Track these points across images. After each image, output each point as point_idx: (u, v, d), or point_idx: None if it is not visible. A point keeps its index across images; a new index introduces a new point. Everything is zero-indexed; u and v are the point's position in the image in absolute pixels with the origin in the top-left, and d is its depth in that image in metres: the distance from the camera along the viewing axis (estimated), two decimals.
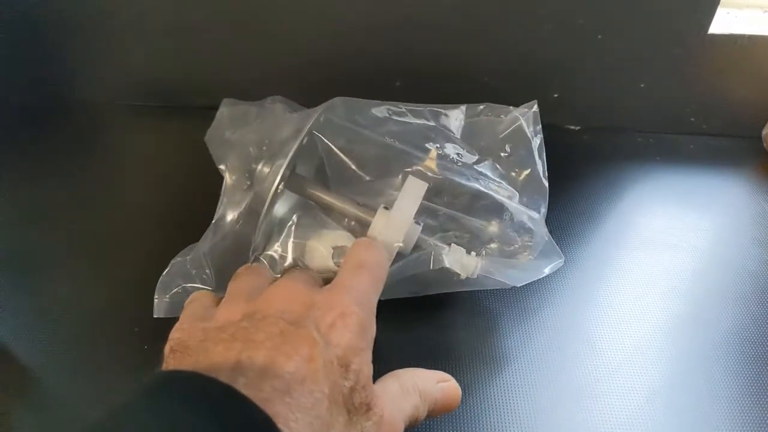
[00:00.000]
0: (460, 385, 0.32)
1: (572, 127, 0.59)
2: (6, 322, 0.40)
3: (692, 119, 0.58)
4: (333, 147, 0.40)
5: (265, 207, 0.37)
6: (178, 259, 0.38)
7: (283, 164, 0.37)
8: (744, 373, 0.39)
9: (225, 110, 0.43)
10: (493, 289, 0.43)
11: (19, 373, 0.38)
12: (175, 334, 0.28)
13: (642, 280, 0.45)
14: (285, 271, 0.38)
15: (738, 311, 0.43)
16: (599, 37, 0.52)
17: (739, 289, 0.44)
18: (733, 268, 0.46)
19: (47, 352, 0.39)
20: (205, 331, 0.27)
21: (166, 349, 0.28)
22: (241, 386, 0.23)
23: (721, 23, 0.52)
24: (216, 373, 0.23)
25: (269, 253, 0.39)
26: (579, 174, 0.54)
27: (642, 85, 0.55)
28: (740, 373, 0.39)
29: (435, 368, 0.37)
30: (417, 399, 0.29)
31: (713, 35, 0.52)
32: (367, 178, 0.41)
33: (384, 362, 0.35)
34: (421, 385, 0.30)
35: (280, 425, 0.22)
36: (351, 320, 0.28)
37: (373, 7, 0.51)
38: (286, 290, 0.30)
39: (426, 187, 0.39)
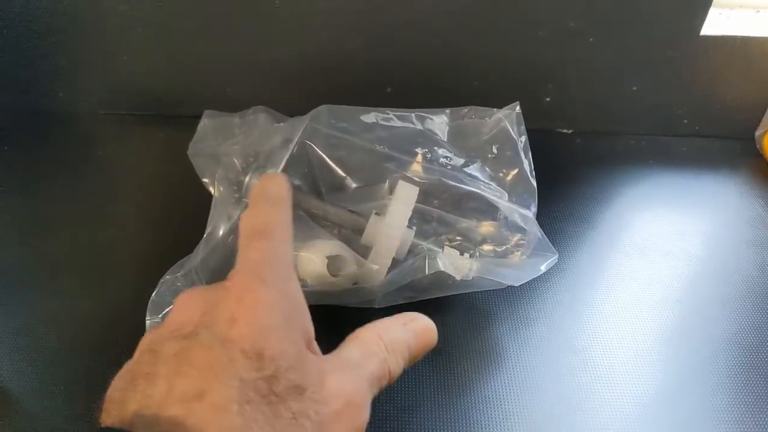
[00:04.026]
0: (454, 387, 0.32)
1: (565, 131, 0.59)
2: None
3: (685, 121, 0.58)
4: (323, 155, 0.39)
5: None
6: (167, 276, 0.38)
7: None
8: (740, 382, 0.38)
9: (207, 122, 0.43)
10: (487, 293, 0.42)
11: None
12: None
13: (636, 287, 0.44)
14: None
15: (733, 318, 0.42)
16: (591, 40, 0.52)
17: (734, 294, 0.44)
18: (728, 273, 0.46)
19: (28, 371, 0.38)
20: (124, 373, 0.25)
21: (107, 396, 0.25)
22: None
23: (714, 24, 0.51)
24: (131, 426, 0.22)
25: None
26: (571, 178, 0.54)
27: (635, 88, 0.55)
28: (736, 382, 0.38)
29: (430, 368, 0.36)
30: (383, 354, 0.27)
31: (706, 37, 0.51)
32: (357, 185, 0.41)
33: None
34: (386, 337, 0.27)
35: None
36: (250, 301, 0.24)
37: (364, 12, 0.51)
38: (179, 303, 0.27)
39: (417, 192, 0.39)
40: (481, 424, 0.35)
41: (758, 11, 0.54)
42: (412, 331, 0.28)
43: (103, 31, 0.52)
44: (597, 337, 0.41)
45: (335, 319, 0.40)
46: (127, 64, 0.55)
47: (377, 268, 0.37)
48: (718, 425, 0.36)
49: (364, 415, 0.25)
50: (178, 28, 0.52)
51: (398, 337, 0.28)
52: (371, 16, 0.51)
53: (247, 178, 0.38)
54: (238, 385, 0.22)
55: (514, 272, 0.38)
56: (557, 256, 0.40)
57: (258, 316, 0.24)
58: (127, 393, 0.23)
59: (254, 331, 0.24)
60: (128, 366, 0.25)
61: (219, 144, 0.40)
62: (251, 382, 0.22)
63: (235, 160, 0.39)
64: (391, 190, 0.40)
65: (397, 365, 0.27)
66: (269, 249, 0.27)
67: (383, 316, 0.38)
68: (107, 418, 0.23)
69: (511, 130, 0.43)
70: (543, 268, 0.39)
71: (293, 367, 0.24)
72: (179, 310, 0.26)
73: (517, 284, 0.39)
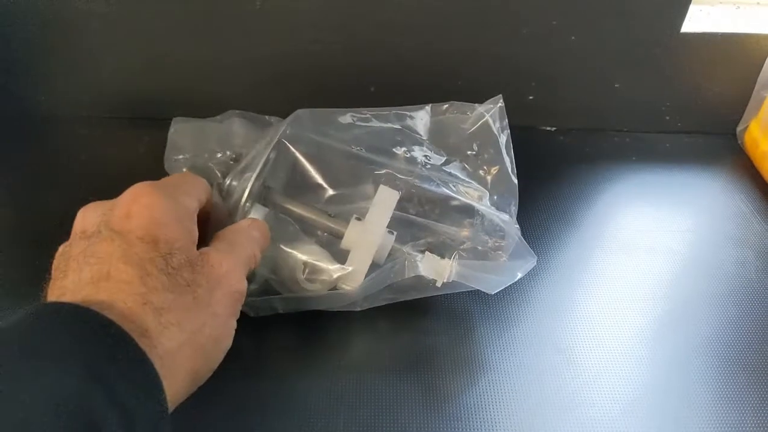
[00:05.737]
0: (438, 393, 0.35)
1: (548, 128, 0.59)
2: None
3: (668, 118, 0.58)
4: (302, 159, 0.39)
5: (235, 220, 0.36)
6: None
7: (252, 177, 0.36)
8: (722, 378, 0.39)
9: (177, 129, 0.42)
10: (469, 296, 0.42)
11: None
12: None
13: (619, 284, 0.44)
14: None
15: (715, 314, 0.43)
16: (573, 38, 0.52)
17: (716, 291, 0.44)
18: (710, 270, 0.46)
19: None
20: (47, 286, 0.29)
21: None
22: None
23: (694, 21, 0.51)
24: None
25: None
26: (555, 175, 0.54)
27: (617, 85, 0.55)
28: (719, 378, 0.39)
29: (414, 375, 0.38)
30: (247, 244, 0.33)
31: (686, 34, 0.51)
32: (334, 190, 0.41)
33: (365, 369, 0.35)
34: (244, 234, 0.34)
35: (105, 312, 0.24)
36: (143, 201, 0.29)
37: (347, 12, 0.51)
38: (81, 214, 0.31)
39: (398, 197, 0.39)
40: (466, 427, 0.35)
41: (738, 7, 0.55)
42: (257, 230, 0.35)
43: (82, 34, 0.52)
44: (581, 335, 0.41)
45: (315, 324, 0.40)
46: (107, 66, 0.54)
47: (354, 271, 0.37)
48: (702, 420, 0.36)
49: (243, 283, 0.31)
50: (158, 29, 0.52)
51: (251, 234, 0.34)
52: (354, 16, 0.51)
53: (228, 181, 0.38)
54: (138, 263, 0.27)
55: (491, 277, 0.38)
56: (536, 259, 0.39)
57: (151, 212, 0.29)
58: (44, 297, 0.28)
59: (149, 222, 0.28)
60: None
61: (196, 155, 0.40)
62: (150, 260, 0.27)
63: (216, 171, 0.39)
64: (373, 195, 0.40)
65: (258, 252, 0.34)
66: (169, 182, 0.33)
67: (364, 320, 0.38)
68: None
69: (492, 126, 0.43)
70: (519, 274, 0.39)
71: (184, 248, 0.29)
72: (81, 219, 0.30)
73: (492, 293, 0.38)
